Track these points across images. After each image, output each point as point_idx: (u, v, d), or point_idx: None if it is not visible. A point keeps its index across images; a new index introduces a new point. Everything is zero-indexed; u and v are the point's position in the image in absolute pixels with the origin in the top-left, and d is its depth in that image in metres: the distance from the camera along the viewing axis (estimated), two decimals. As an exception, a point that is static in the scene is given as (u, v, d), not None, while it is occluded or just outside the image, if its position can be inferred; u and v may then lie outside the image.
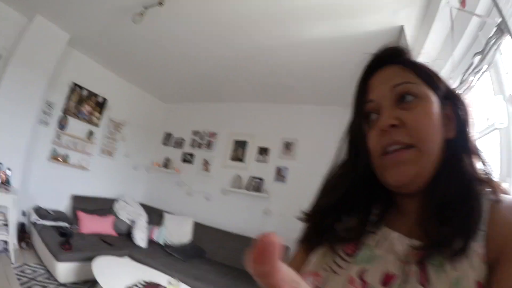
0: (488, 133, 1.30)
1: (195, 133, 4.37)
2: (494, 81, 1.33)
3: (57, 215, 3.21)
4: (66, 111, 3.46)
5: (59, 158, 3.46)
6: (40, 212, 3.14)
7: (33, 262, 2.77)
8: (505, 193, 0.45)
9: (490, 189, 0.44)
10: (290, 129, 3.78)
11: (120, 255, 3.03)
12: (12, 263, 2.59)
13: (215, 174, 4.09)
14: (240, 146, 4.03)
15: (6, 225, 2.63)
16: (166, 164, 4.40)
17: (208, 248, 3.48)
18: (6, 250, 2.64)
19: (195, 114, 4.47)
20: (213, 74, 3.38)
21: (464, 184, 0.44)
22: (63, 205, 3.53)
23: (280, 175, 3.72)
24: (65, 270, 2.60)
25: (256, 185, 3.74)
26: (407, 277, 0.43)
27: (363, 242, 0.48)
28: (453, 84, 1.44)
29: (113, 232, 3.46)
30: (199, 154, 4.25)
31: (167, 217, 3.80)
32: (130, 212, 3.77)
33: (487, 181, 0.45)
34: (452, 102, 0.49)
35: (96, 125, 3.81)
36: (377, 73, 0.51)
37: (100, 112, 3.84)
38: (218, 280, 2.80)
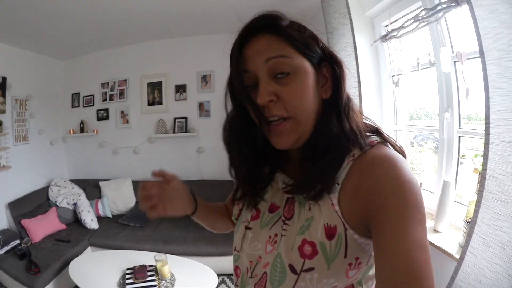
0: (427, 68, 1.52)
1: (104, 85, 3.77)
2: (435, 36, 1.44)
3: (5, 236, 2.76)
4: None
5: None
6: None
7: None
8: (385, 140, 0.51)
9: (362, 144, 0.48)
10: (204, 61, 3.46)
11: (82, 249, 2.86)
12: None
13: (136, 124, 3.73)
14: (155, 88, 3.63)
15: None
16: (82, 128, 3.85)
17: (156, 204, 3.44)
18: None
19: (99, 65, 3.73)
20: (103, 18, 2.73)
21: (328, 140, 0.50)
22: (3, 221, 3.01)
23: (203, 110, 3.54)
24: None
25: (182, 125, 3.55)
26: (282, 209, 0.57)
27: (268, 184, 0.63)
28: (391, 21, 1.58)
29: (62, 226, 3.09)
30: (114, 107, 3.73)
31: (103, 185, 3.53)
32: (68, 195, 3.34)
33: (360, 136, 0.49)
34: (329, 62, 0.52)
35: (2, 111, 3.02)
36: (251, 42, 0.51)
37: (2, 95, 3.03)
38: (185, 236, 2.82)
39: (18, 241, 2.73)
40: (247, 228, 0.62)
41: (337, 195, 0.47)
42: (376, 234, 0.42)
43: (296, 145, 0.52)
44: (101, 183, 3.56)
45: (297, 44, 0.49)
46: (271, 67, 0.48)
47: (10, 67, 3.13)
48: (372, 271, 0.53)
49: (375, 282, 0.50)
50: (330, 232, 0.47)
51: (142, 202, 0.65)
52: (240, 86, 0.52)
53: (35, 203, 3.22)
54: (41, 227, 2.90)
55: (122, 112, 3.73)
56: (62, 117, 3.98)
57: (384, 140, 0.51)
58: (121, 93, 3.73)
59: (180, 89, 3.59)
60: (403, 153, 0.50)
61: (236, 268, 0.64)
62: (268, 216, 0.60)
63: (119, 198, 3.46)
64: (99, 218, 3.29)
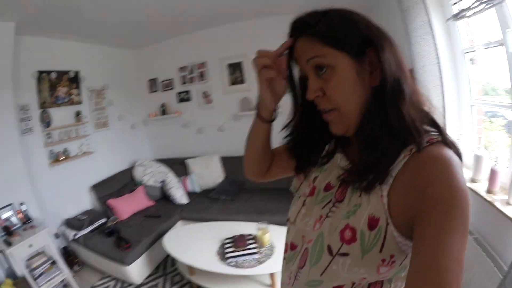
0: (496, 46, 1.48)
1: (182, 69, 3.92)
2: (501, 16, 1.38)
3: (91, 217, 2.95)
4: (43, 105, 2.91)
5: (60, 158, 3.03)
6: (73, 223, 2.86)
7: (97, 280, 2.65)
8: (446, 139, 0.49)
9: (420, 140, 0.47)
10: (282, 40, 3.43)
11: (173, 223, 3.00)
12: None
13: (219, 103, 3.84)
14: (236, 68, 3.68)
15: (53, 262, 2.40)
16: (164, 110, 4.07)
17: (245, 178, 3.48)
18: (67, 286, 2.46)
19: (173, 51, 3.90)
20: (171, 8, 2.78)
21: (378, 129, 0.49)
22: (86, 202, 3.29)
23: (286, 87, 3.54)
24: (136, 269, 2.47)
25: (266, 102, 3.56)
26: (335, 190, 0.59)
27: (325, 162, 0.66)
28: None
29: (150, 203, 3.32)
30: (195, 88, 3.90)
31: (191, 163, 3.73)
32: (154, 174, 3.60)
33: (419, 130, 0.47)
34: (374, 45, 0.50)
35: (79, 102, 3.31)
36: (296, 44, 0.56)
37: (77, 87, 3.30)
38: (278, 207, 2.81)
39: (104, 220, 2.94)
40: (303, 204, 0.65)
41: (388, 188, 0.48)
42: (417, 237, 0.42)
43: (349, 132, 0.55)
44: (188, 160, 3.70)
45: (329, 41, 0.50)
46: (312, 66, 0.52)
47: (83, 61, 3.37)
48: (404, 273, 0.52)
49: (403, 286, 0.48)
50: (372, 223, 0.48)
51: (259, 59, 0.60)
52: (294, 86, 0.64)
53: (120, 183, 3.49)
54: (128, 205, 3.14)
55: (204, 93, 3.84)
56: (141, 102, 4.22)
57: (444, 138, 0.49)
58: (201, 75, 3.83)
59: (262, 68, 3.62)
60: (459, 155, 0.48)
61: (286, 242, 0.67)
62: (322, 194, 0.62)
63: (207, 173, 3.58)
64: (188, 194, 3.48)
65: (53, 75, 3.01)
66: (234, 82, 3.71)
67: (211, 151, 3.82)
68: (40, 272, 2.29)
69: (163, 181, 3.50)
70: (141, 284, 2.50)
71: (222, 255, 2.12)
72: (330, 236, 0.53)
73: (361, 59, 0.50)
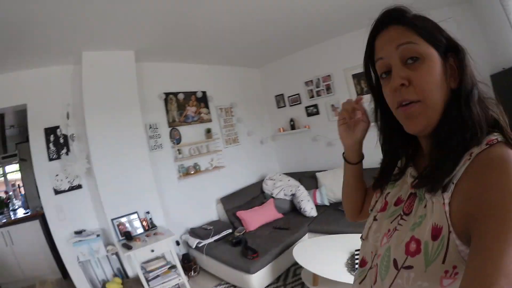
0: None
1: (308, 83, 4.11)
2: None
3: (216, 227, 3.15)
4: (172, 124, 3.39)
5: (190, 172, 3.37)
6: (198, 232, 3.08)
7: (212, 286, 2.82)
8: (508, 139, 0.47)
9: (480, 141, 0.47)
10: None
11: (301, 235, 3.06)
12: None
13: (349, 115, 3.77)
14: (360, 79, 3.57)
15: (172, 267, 2.62)
16: (293, 125, 4.34)
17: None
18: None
19: (297, 66, 4.14)
20: (289, 26, 2.98)
21: (454, 131, 0.50)
22: (212, 213, 3.53)
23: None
24: (259, 278, 2.53)
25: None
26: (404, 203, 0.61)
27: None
28: None
29: (278, 215, 3.46)
30: (323, 102, 3.98)
31: (321, 176, 3.77)
32: (284, 187, 3.77)
33: (481, 132, 0.48)
34: (455, 52, 0.53)
35: (208, 120, 3.76)
36: (382, 33, 0.57)
37: (206, 106, 3.77)
38: None
39: (230, 230, 3.15)
40: (374, 219, 0.67)
41: (450, 195, 0.47)
42: (471, 244, 0.41)
43: (426, 130, 0.54)
44: (318, 173, 3.77)
45: (422, 32, 0.52)
46: (401, 53, 0.53)
47: (209, 82, 3.78)
48: None
49: None
50: (435, 233, 0.48)
51: (342, 113, 0.76)
52: (367, 72, 0.65)
53: (248, 196, 3.72)
54: (257, 217, 3.30)
55: (332, 105, 3.88)
56: (269, 118, 4.59)
57: (507, 139, 0.47)
58: (327, 88, 3.89)
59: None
60: None
61: (360, 258, 0.68)
62: (392, 209, 0.63)
63: (337, 186, 3.53)
64: (316, 207, 3.49)
65: (181, 96, 3.50)
66: (361, 92, 3.60)
67: (341, 164, 3.73)
68: (155, 275, 2.52)
69: (293, 194, 3.64)
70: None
71: (351, 266, 2.06)
72: (396, 249, 0.53)
73: (445, 60, 0.53)
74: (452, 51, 0.53)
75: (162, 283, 2.48)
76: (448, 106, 0.52)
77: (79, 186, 2.76)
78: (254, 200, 3.72)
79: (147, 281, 2.46)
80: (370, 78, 0.65)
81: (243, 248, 2.69)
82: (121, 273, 2.78)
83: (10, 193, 5.41)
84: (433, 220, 0.49)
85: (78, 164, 2.59)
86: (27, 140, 2.69)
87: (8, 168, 5.95)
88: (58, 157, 2.71)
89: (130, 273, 2.75)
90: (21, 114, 2.84)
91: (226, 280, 2.83)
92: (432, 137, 0.55)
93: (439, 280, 0.47)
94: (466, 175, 0.46)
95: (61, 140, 2.73)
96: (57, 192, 2.69)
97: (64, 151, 2.72)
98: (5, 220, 3.92)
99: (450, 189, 0.47)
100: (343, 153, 0.81)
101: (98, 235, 2.66)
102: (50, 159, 2.70)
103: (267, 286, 2.66)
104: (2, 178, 6.13)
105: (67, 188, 2.71)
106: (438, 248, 0.47)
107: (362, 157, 0.80)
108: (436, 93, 0.51)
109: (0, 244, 3.66)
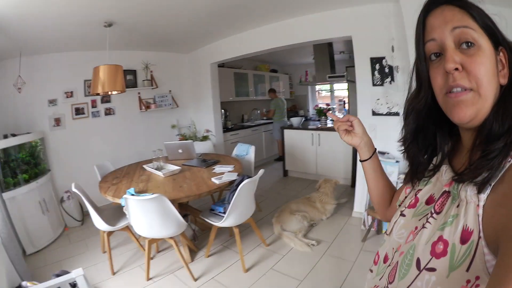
0: None
1: None
2: None
3: None
4: None
5: None
6: None
7: None
8: None
9: None
10: None
11: None
12: None
13: None
14: None
15: None
16: None
17: None
18: None
19: None
20: None
21: (502, 128, 0.47)
22: None
23: None
24: None
25: None
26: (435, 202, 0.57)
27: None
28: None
29: None
30: None
31: None
32: None
33: None
34: (505, 48, 0.51)
35: None
36: (434, 12, 0.54)
37: None
38: None
39: None
40: (401, 214, 0.65)
41: (485, 198, 0.45)
42: (497, 259, 0.38)
43: (472, 122, 0.51)
44: None
45: (478, 19, 0.50)
46: (457, 36, 0.50)
47: None
48: None
49: None
50: (465, 236, 0.45)
51: (340, 130, 0.85)
52: (419, 52, 0.58)
53: None
54: None
55: None
56: None
57: None
58: None
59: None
60: None
61: (377, 253, 0.68)
62: (423, 207, 0.61)
63: None
64: None
65: None
66: None
67: None
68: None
69: None
70: None
71: None
72: (422, 248, 0.51)
73: (496, 54, 0.51)
74: (503, 46, 0.51)
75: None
76: (499, 102, 0.49)
77: (396, 114, 3.09)
78: None
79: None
80: (421, 59, 0.58)
81: None
82: (397, 201, 3.11)
83: (333, 106, 7.07)
84: (465, 221, 0.47)
85: (399, 93, 2.88)
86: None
87: (336, 86, 7.62)
88: (381, 84, 3.12)
89: (404, 205, 3.06)
90: (349, 42, 3.41)
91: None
92: (479, 130, 0.51)
93: None
94: (504, 179, 0.44)
95: (386, 70, 3.08)
96: (374, 113, 3.21)
97: (388, 79, 3.07)
98: (319, 126, 5.29)
99: (487, 191, 0.45)
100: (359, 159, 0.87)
101: (397, 161, 3.01)
102: (374, 85, 3.18)
103: None
104: (329, 93, 8.04)
105: (384, 113, 3.14)
106: (465, 253, 0.44)
107: (374, 149, 0.85)
108: (489, 84, 0.49)
109: (308, 143, 5.08)
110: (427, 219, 0.56)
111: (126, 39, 3.90)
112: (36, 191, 3.24)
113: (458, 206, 0.50)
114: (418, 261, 0.51)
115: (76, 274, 1.79)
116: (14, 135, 3.21)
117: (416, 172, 0.67)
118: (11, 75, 3.48)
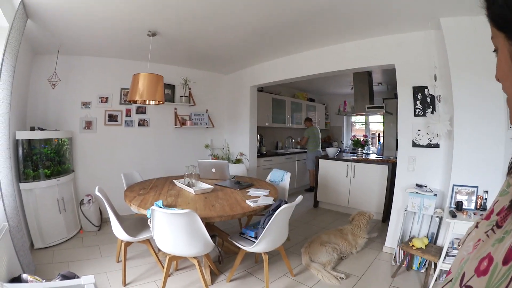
0: None
1: None
2: None
3: None
4: None
5: None
6: None
7: None
8: None
9: None
10: None
11: None
12: None
13: None
14: None
15: None
16: None
17: None
18: None
19: None
20: None
21: None
22: None
23: None
24: None
25: None
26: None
27: None
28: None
29: None
30: None
31: None
32: None
33: None
34: None
35: None
36: None
37: None
38: None
39: None
40: (476, 226, 0.58)
41: None
42: None
43: None
44: None
45: (495, 19, 0.45)
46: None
47: None
48: None
49: None
50: (508, 256, 0.37)
51: None
52: None
53: None
54: None
55: None
56: None
57: None
58: None
59: None
60: None
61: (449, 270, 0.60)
62: (493, 218, 0.53)
63: None
64: None
65: None
66: None
67: None
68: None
69: None
70: None
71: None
72: (470, 263, 0.45)
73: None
74: None
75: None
76: None
77: (436, 145, 2.93)
78: None
79: (447, 254, 2.47)
80: None
81: None
82: (432, 238, 2.86)
83: (368, 138, 6.86)
84: None
85: (441, 124, 2.73)
86: (394, 97, 3.17)
87: (371, 118, 7.43)
88: (423, 114, 2.99)
89: (439, 242, 2.79)
90: (387, 73, 3.34)
91: None
92: None
93: None
94: None
95: (428, 100, 2.96)
96: (414, 145, 3.05)
97: (429, 109, 2.94)
98: (355, 157, 5.10)
99: None
100: None
101: (435, 195, 2.81)
102: (416, 115, 3.05)
103: None
104: (363, 126, 7.84)
105: (425, 144, 2.98)
106: (502, 277, 0.35)
107: None
108: (506, 81, 0.46)
109: (342, 174, 4.88)
110: (488, 233, 0.51)
111: (167, 52, 4.01)
112: (55, 188, 3.29)
113: None
114: (463, 276, 0.46)
115: (86, 281, 1.58)
116: (41, 129, 3.33)
117: None
118: (46, 71, 3.62)
